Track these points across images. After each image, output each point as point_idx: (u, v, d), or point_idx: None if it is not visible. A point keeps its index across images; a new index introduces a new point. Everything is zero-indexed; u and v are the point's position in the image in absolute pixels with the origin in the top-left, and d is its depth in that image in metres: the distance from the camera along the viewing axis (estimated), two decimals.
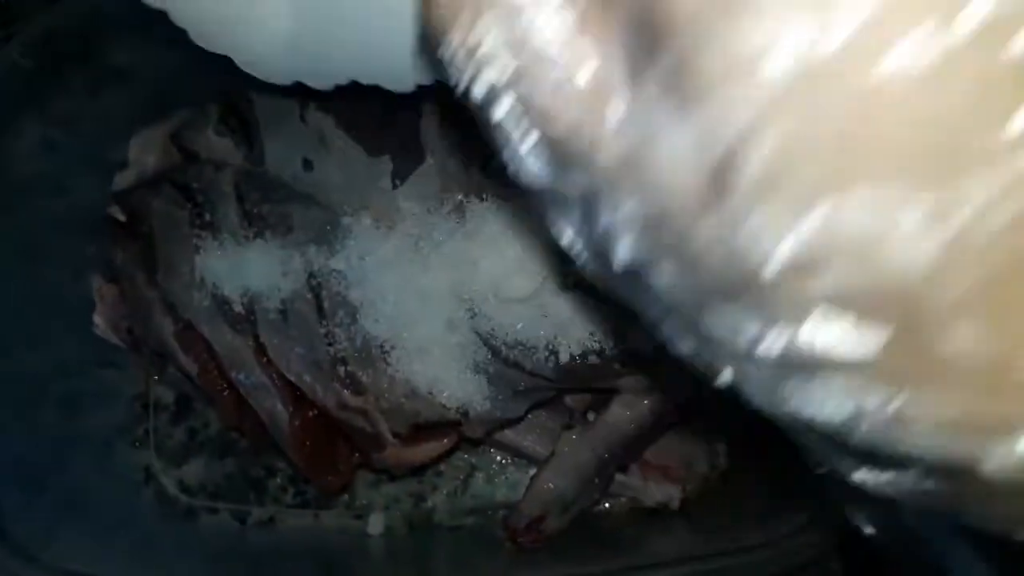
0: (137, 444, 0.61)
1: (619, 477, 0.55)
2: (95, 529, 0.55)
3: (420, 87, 0.41)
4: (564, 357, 0.46)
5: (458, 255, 0.48)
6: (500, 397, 0.48)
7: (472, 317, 0.47)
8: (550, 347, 0.46)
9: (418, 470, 0.58)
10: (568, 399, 0.56)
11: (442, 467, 0.60)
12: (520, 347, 0.47)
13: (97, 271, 0.56)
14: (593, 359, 0.46)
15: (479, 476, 0.60)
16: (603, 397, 0.51)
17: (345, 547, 0.59)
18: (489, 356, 0.47)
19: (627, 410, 0.50)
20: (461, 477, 0.60)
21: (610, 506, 0.59)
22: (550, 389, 0.50)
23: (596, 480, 0.52)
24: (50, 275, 0.57)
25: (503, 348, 0.47)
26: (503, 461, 0.61)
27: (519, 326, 0.46)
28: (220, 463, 0.61)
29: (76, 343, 0.57)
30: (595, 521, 0.58)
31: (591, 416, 0.51)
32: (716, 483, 0.61)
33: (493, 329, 0.47)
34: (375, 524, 0.59)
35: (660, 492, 0.56)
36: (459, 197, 0.50)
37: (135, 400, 0.61)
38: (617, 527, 0.58)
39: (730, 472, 0.61)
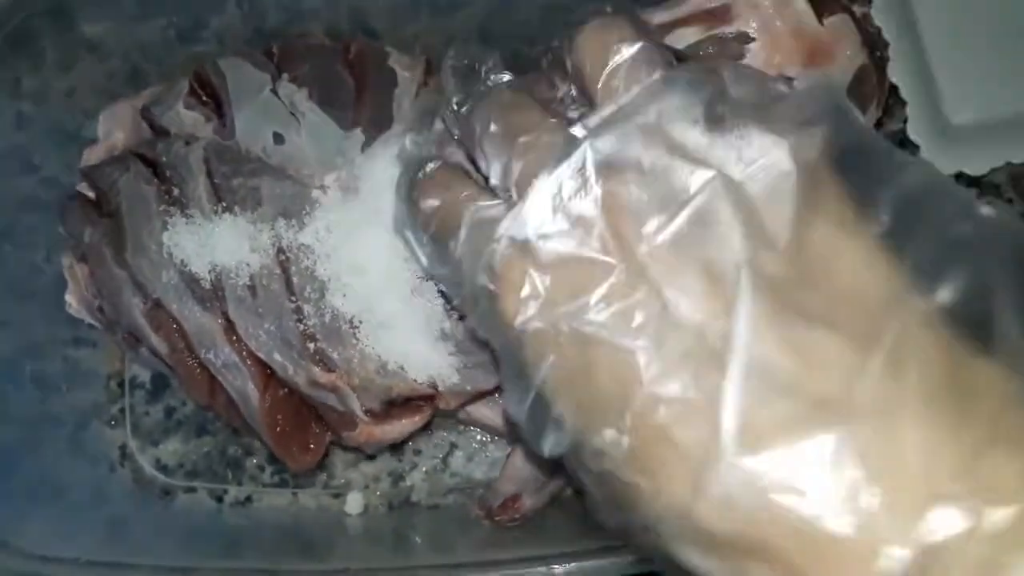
0: (113, 423, 0.60)
1: None
2: (69, 511, 0.54)
3: None
4: None
5: None
6: (468, 367, 0.47)
7: (435, 282, 0.46)
8: None
9: (396, 447, 0.57)
10: None
11: (421, 445, 0.60)
12: None
13: (68, 249, 0.55)
14: None
15: (459, 454, 0.60)
16: None
17: (323, 526, 0.59)
18: (455, 324, 0.46)
19: None
20: (440, 456, 0.60)
21: None
22: None
23: None
24: (21, 253, 0.56)
25: None
26: (483, 439, 0.60)
27: None
28: (197, 441, 0.60)
29: (49, 322, 0.57)
30: (573, 499, 0.57)
31: None
32: None
33: None
34: (353, 503, 0.58)
35: None
36: None
37: (110, 379, 0.60)
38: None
39: None
